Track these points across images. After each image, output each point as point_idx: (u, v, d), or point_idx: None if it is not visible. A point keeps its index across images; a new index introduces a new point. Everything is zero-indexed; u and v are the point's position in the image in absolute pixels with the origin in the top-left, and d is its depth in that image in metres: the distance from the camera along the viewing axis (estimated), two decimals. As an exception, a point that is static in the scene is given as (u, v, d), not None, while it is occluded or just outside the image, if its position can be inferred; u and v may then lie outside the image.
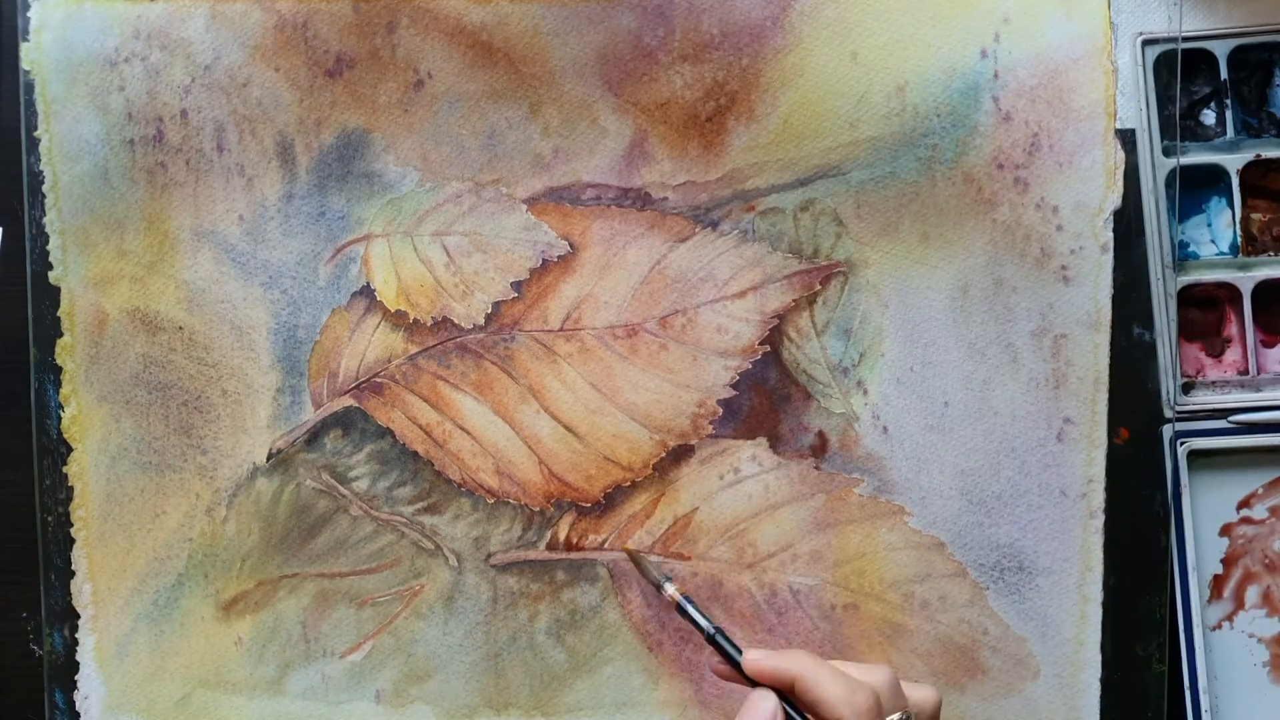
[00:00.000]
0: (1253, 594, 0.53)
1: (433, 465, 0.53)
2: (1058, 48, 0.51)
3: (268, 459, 0.54)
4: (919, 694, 0.46)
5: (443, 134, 0.54)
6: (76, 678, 0.54)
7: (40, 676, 0.54)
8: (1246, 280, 0.53)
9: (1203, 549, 0.53)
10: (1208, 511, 0.53)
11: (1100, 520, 0.51)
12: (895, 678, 0.46)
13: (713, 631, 0.47)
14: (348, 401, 0.54)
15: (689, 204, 0.53)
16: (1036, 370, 0.52)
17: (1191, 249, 0.54)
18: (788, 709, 0.45)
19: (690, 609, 0.48)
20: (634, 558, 0.51)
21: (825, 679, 0.44)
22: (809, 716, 0.44)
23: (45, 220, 0.54)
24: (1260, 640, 0.53)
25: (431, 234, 0.54)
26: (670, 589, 0.49)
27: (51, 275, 0.54)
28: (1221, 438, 0.52)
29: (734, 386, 0.53)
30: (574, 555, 0.53)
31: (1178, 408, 0.52)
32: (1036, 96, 0.51)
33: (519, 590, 0.53)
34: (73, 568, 0.54)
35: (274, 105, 0.54)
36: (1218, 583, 0.53)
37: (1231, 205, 0.54)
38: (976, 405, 0.52)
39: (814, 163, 0.52)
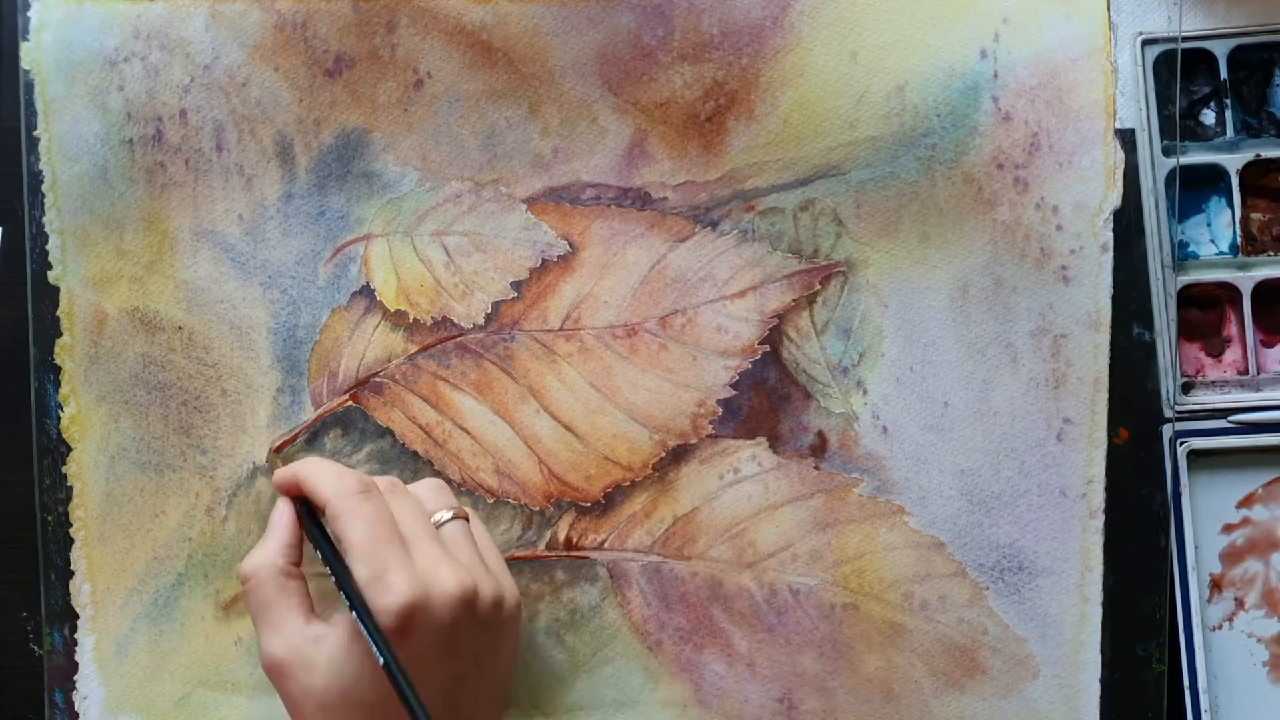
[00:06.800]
0: (1253, 594, 0.53)
1: (432, 465, 0.53)
2: (1057, 48, 0.51)
3: (268, 458, 0.54)
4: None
5: (442, 134, 0.53)
6: (76, 678, 0.54)
7: (40, 676, 0.54)
8: (1246, 280, 0.53)
9: (1203, 549, 0.53)
10: (1208, 511, 0.53)
11: (1100, 520, 0.51)
12: (442, 485, 0.49)
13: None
14: (347, 401, 0.54)
15: (689, 204, 0.53)
16: (1036, 370, 0.52)
17: (1191, 249, 0.54)
18: (307, 518, 0.46)
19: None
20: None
21: (317, 470, 0.46)
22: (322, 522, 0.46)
23: (45, 220, 0.54)
24: (1260, 640, 0.53)
25: (431, 234, 0.54)
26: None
27: (51, 275, 0.54)
28: (1221, 438, 0.52)
29: (734, 386, 0.53)
30: (574, 555, 0.53)
31: (1178, 408, 0.52)
32: (1036, 96, 0.51)
33: (519, 590, 0.53)
34: (72, 568, 0.54)
35: (273, 105, 0.54)
36: (1217, 583, 0.53)
37: (1231, 205, 0.54)
38: (976, 405, 0.52)
39: (814, 163, 0.52)
